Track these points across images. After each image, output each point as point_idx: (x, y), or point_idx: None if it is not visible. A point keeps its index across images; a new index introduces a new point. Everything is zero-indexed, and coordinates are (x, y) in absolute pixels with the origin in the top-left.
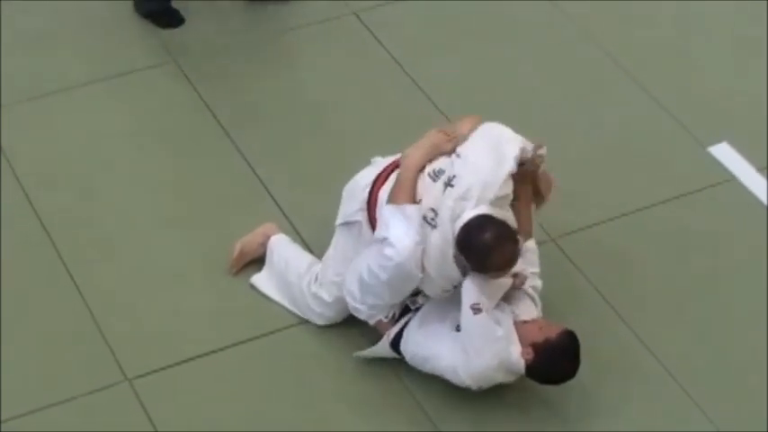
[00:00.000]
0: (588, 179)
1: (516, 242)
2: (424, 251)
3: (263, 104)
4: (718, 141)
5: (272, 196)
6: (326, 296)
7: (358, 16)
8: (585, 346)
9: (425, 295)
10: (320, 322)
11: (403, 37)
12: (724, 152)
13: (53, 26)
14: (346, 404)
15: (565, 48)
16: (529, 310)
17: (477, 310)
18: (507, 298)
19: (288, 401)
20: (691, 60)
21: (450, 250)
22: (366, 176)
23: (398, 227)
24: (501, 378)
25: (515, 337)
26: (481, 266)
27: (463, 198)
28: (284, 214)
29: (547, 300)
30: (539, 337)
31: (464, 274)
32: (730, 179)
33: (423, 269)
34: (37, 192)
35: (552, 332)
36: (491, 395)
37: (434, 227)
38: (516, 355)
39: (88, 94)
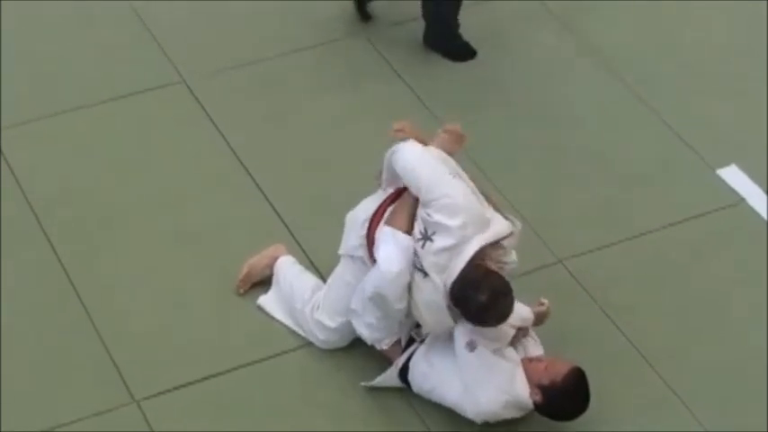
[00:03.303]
0: (597, 201)
1: (510, 294)
2: (414, 298)
3: (274, 125)
4: (728, 164)
5: (281, 218)
6: (329, 322)
7: (368, 38)
8: (592, 366)
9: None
10: (324, 347)
11: (409, 55)
12: (733, 174)
13: (64, 46)
14: (353, 426)
15: (574, 70)
16: (534, 347)
17: (472, 346)
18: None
19: (294, 423)
20: (700, 83)
21: (443, 301)
22: (366, 209)
23: (387, 251)
24: (508, 415)
25: (521, 373)
26: (478, 323)
27: (446, 249)
28: (292, 235)
29: (553, 321)
30: (545, 378)
31: (456, 321)
32: (739, 201)
33: (416, 311)
34: (46, 213)
35: (558, 373)
36: None
37: (425, 275)
38: (524, 393)
39: (98, 113)
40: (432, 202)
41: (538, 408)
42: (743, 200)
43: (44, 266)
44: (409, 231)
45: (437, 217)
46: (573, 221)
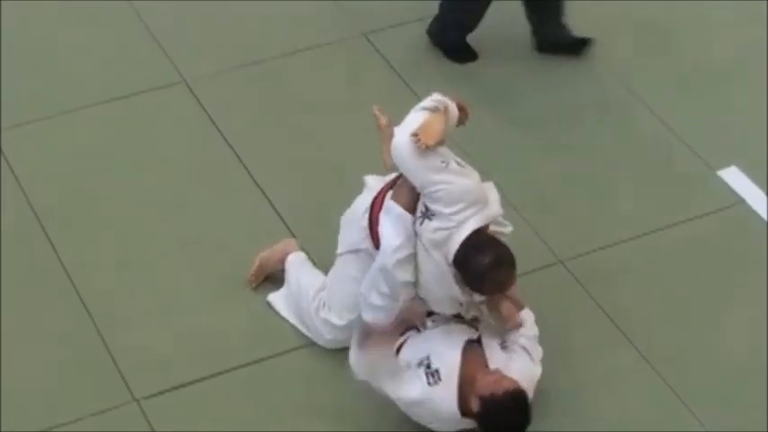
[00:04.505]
0: (597, 201)
1: (513, 265)
2: (421, 269)
3: (275, 125)
4: (728, 165)
5: (281, 217)
6: (337, 320)
7: (367, 37)
8: (591, 367)
9: (435, 320)
10: (330, 346)
11: (406, 59)
12: (733, 175)
13: (64, 46)
14: (355, 426)
15: (574, 71)
16: (520, 361)
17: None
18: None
19: (296, 423)
20: (700, 83)
21: (446, 275)
22: (363, 203)
23: (387, 225)
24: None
25: (453, 379)
26: (477, 287)
27: (443, 229)
28: (293, 235)
29: (554, 322)
30: (487, 389)
31: (463, 294)
32: (739, 202)
33: (424, 286)
34: (47, 213)
35: (500, 387)
36: None
37: (427, 251)
38: (445, 399)
39: (98, 114)
40: (428, 193)
41: (477, 418)
42: (743, 201)
43: (44, 267)
44: (411, 207)
45: (434, 206)
46: (573, 222)
